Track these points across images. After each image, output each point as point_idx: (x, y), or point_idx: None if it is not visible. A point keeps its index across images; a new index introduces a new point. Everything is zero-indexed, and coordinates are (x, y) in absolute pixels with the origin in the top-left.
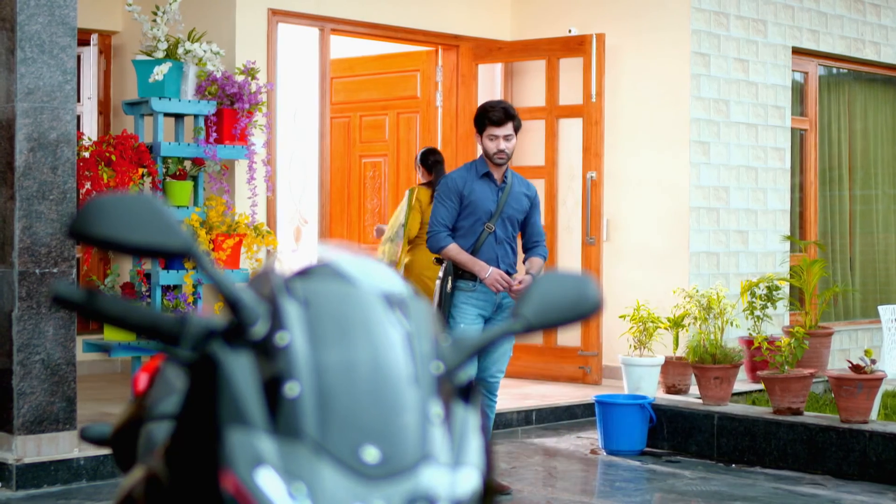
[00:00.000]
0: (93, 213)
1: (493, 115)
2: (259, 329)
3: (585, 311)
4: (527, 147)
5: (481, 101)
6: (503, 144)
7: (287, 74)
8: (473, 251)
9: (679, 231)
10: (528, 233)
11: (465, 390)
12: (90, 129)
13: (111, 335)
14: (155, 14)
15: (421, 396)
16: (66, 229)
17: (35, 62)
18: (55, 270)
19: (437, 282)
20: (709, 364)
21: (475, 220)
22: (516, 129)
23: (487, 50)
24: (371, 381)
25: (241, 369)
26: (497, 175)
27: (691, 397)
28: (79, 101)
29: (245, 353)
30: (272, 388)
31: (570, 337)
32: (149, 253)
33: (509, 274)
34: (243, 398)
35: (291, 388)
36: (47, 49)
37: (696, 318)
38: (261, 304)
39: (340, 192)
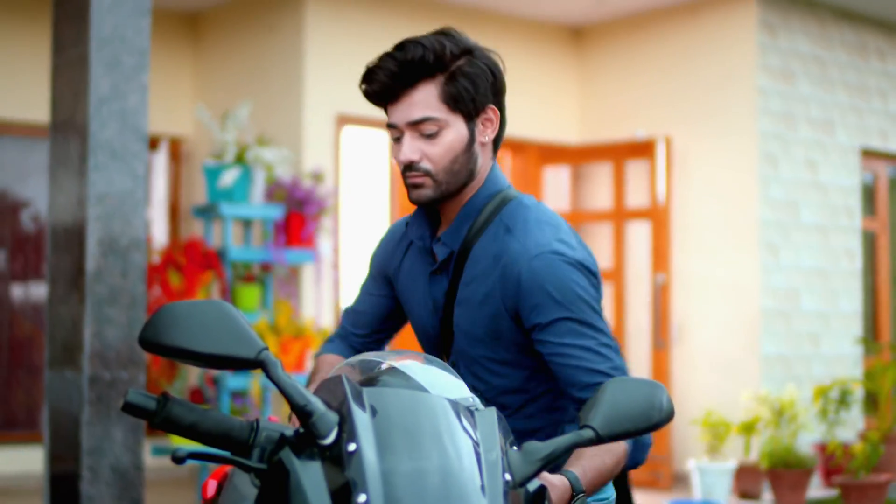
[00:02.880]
0: (164, 321)
1: (375, 77)
2: (330, 439)
3: (657, 421)
4: (593, 250)
5: (548, 204)
6: (408, 150)
7: (354, 177)
8: None
9: (749, 334)
10: (560, 379)
11: (533, 501)
12: (160, 233)
13: (178, 440)
14: (224, 119)
15: None
16: (138, 338)
17: (106, 169)
18: (124, 375)
19: None
20: (782, 469)
21: (422, 340)
22: (454, 99)
23: (554, 153)
24: (439, 491)
25: (311, 479)
26: (429, 234)
27: (765, 503)
28: (148, 205)
29: (315, 462)
30: (341, 497)
31: None
32: (221, 363)
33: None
34: None
35: (361, 498)
36: (118, 156)
37: (768, 423)
38: (331, 413)
39: None
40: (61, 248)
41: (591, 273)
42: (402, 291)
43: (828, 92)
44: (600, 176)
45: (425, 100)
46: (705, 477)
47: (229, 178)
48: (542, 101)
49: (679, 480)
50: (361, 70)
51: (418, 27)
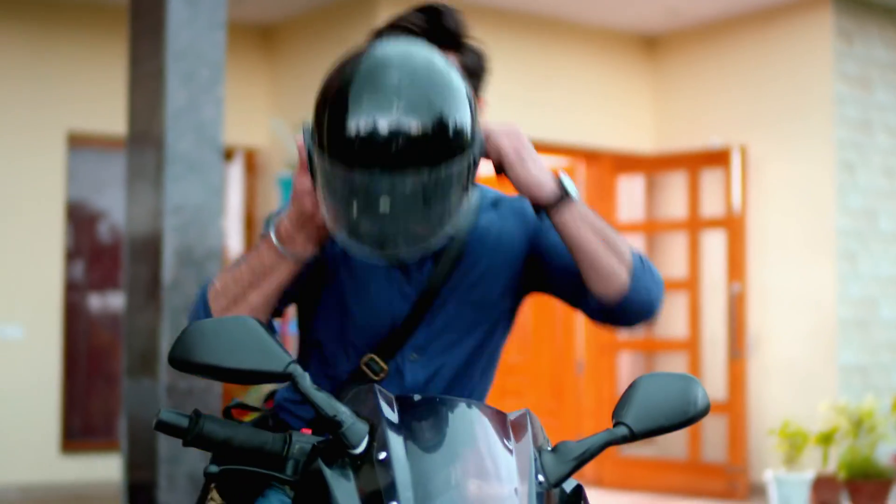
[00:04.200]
0: (192, 339)
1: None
2: (360, 448)
3: (692, 415)
4: (668, 259)
5: (622, 213)
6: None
7: None
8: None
9: (826, 344)
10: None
11: (571, 500)
12: (235, 244)
13: None
14: (298, 131)
15: None
16: (168, 357)
17: (182, 180)
18: (201, 384)
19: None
20: (861, 480)
21: (362, 335)
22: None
23: (628, 162)
24: (472, 496)
25: (343, 489)
26: None
27: None
28: (224, 215)
29: (346, 471)
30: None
31: (716, 452)
32: (250, 378)
33: None
34: None
35: None
36: (194, 167)
37: (846, 433)
38: (361, 423)
39: None
40: (138, 258)
41: None
42: (352, 281)
43: None
44: (675, 185)
45: None
46: (783, 488)
47: None
48: (616, 110)
49: (756, 491)
50: None
51: (491, 37)
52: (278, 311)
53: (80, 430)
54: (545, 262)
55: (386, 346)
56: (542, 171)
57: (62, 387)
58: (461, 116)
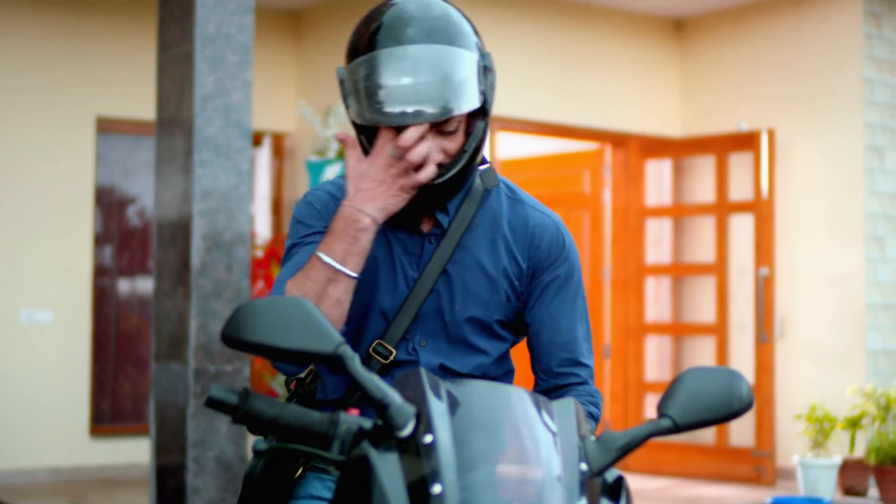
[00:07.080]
0: (244, 318)
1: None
2: (407, 430)
3: (737, 409)
4: (696, 243)
5: (650, 197)
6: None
7: None
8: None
9: (855, 328)
10: (545, 351)
11: (612, 490)
12: (263, 228)
13: None
14: (326, 115)
15: (566, 497)
16: (220, 335)
17: (211, 165)
18: (229, 368)
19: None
20: (889, 466)
21: (369, 324)
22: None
23: (656, 146)
24: (516, 481)
25: (388, 470)
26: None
27: (871, 500)
28: (252, 200)
29: (392, 454)
30: (418, 488)
31: (743, 437)
32: (300, 357)
33: None
34: (391, 500)
35: (437, 488)
36: (223, 152)
37: (874, 418)
38: (408, 406)
39: None
40: (167, 243)
41: None
42: (366, 272)
43: None
44: (703, 169)
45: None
46: (809, 472)
47: (331, 173)
48: (644, 93)
49: (783, 476)
50: None
51: (519, 21)
52: None
53: (109, 414)
54: (529, 315)
55: (393, 330)
56: None
57: (91, 371)
58: (467, 27)
